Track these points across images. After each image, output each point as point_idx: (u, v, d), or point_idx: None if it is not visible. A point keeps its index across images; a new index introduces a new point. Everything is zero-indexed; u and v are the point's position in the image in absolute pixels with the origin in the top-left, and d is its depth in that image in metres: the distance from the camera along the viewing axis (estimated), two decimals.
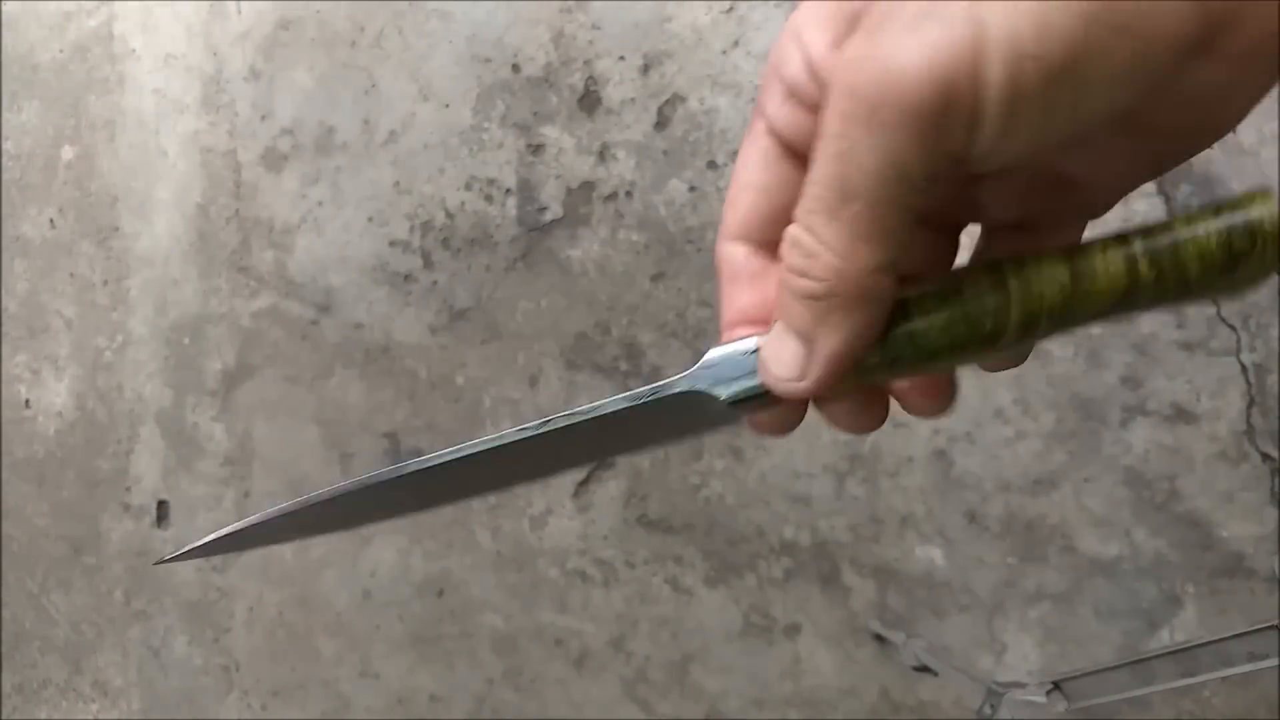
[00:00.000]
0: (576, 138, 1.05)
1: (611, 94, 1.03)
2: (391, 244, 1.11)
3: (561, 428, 0.32)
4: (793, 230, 0.26)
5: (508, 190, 1.07)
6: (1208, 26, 0.24)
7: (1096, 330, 0.89)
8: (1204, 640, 0.71)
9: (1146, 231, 0.28)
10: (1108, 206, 0.30)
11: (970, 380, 0.92)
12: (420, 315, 1.10)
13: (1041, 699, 0.81)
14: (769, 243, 0.29)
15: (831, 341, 0.27)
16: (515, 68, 1.07)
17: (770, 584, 0.98)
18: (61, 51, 1.30)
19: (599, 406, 0.32)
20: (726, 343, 0.30)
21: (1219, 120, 0.26)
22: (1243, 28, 0.24)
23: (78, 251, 1.28)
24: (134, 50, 1.25)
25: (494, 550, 1.07)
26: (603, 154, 1.04)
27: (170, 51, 1.23)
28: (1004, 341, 0.28)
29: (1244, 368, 0.86)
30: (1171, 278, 0.27)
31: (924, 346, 0.28)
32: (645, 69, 1.01)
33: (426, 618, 1.10)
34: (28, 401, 1.31)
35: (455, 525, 1.10)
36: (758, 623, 0.99)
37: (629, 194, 1.01)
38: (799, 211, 0.26)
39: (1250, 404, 0.86)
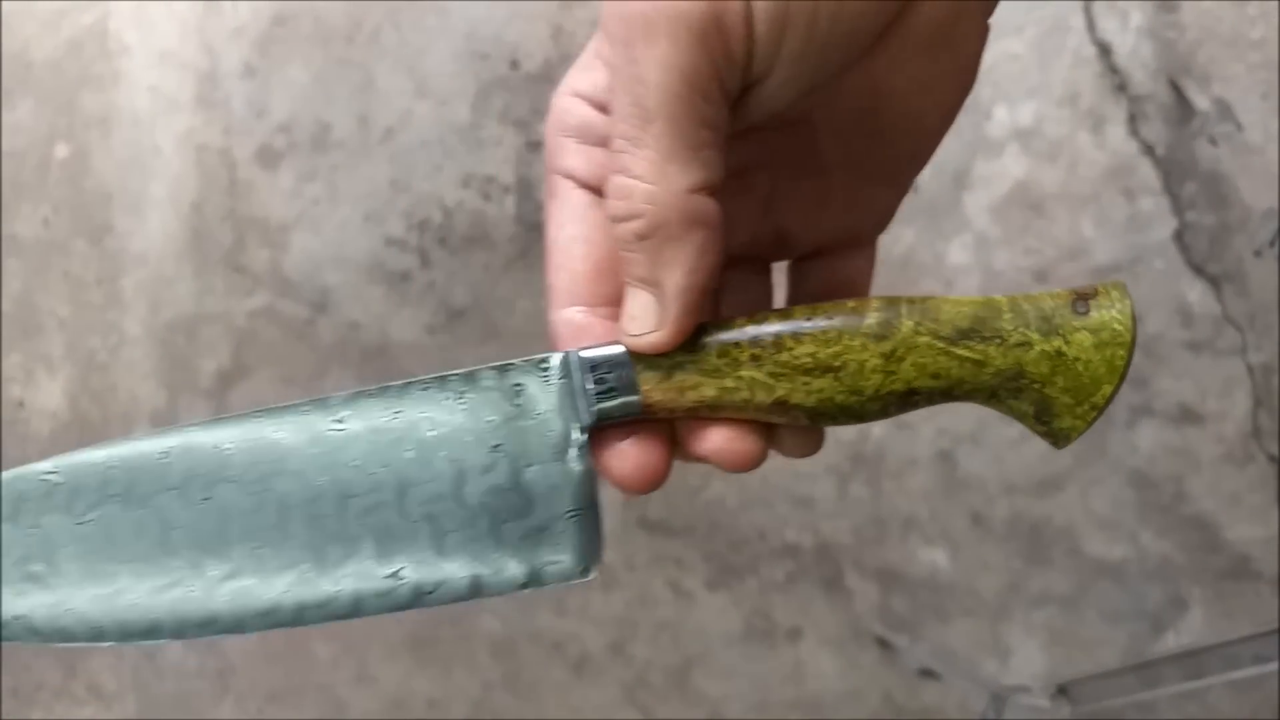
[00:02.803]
0: None
1: None
2: (388, 242, 1.11)
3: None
4: (610, 180, 0.27)
5: (506, 188, 1.07)
6: None
7: None
8: (1210, 643, 0.71)
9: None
10: (890, 210, 0.32)
11: None
12: (417, 315, 1.09)
13: (1046, 703, 0.81)
14: (603, 301, 0.30)
15: (675, 275, 0.26)
16: (514, 64, 1.07)
17: (772, 587, 0.98)
18: (55, 48, 1.29)
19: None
20: None
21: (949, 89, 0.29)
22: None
23: (71, 250, 1.28)
24: (128, 47, 1.25)
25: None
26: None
27: (165, 48, 1.22)
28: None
29: (1250, 369, 0.85)
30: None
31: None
32: None
33: (424, 621, 1.10)
34: (22, 402, 1.30)
35: None
36: (759, 626, 0.98)
37: None
38: (609, 159, 0.26)
39: (1257, 405, 0.85)
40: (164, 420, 1.22)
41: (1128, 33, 0.88)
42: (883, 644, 0.94)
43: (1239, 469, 0.86)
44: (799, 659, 0.97)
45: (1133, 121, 0.88)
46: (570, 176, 0.30)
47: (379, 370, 1.11)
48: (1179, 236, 0.87)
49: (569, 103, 0.30)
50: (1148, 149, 0.88)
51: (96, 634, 0.27)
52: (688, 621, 1.00)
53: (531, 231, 1.05)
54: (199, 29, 1.20)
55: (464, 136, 1.08)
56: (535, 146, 1.06)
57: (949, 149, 0.94)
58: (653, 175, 0.25)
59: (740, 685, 0.99)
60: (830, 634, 0.96)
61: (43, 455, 1.16)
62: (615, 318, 0.29)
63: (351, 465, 0.27)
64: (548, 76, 1.05)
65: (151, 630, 0.27)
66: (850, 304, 0.28)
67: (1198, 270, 0.87)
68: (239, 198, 1.18)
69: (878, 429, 0.95)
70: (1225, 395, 0.86)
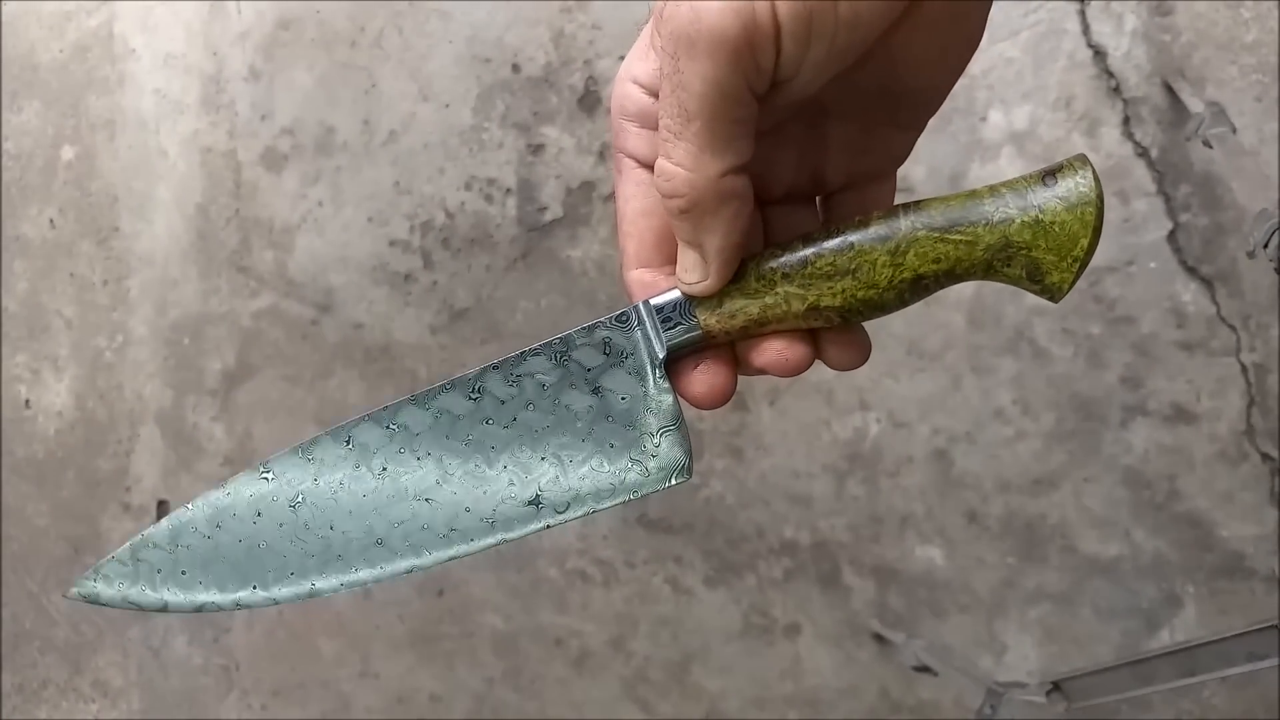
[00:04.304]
0: (576, 138, 1.05)
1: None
2: (391, 244, 1.11)
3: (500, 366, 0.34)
4: (657, 163, 0.31)
5: (508, 190, 1.07)
6: None
7: (1096, 330, 0.89)
8: (1204, 640, 0.71)
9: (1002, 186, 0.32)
10: (906, 149, 0.37)
11: (970, 381, 0.92)
12: (420, 315, 1.10)
13: (1041, 699, 0.81)
14: (665, 262, 0.35)
15: (713, 239, 0.32)
16: (515, 68, 1.07)
17: (770, 584, 0.98)
18: (61, 51, 1.30)
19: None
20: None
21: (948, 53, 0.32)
22: None
23: (78, 251, 1.28)
24: (134, 50, 1.25)
25: (494, 550, 1.07)
26: (603, 154, 1.04)
27: (170, 51, 1.23)
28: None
29: (1244, 368, 0.86)
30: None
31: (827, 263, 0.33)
32: None
33: (426, 617, 1.10)
34: (28, 401, 1.31)
35: None
36: (758, 623, 0.99)
37: None
38: (657, 145, 0.31)
39: (1250, 404, 0.86)
40: (170, 420, 1.23)
41: (1122, 36, 0.88)
42: (879, 640, 0.94)
43: (1232, 467, 0.86)
44: (797, 655, 0.98)
45: (1127, 124, 0.88)
46: (632, 157, 0.34)
47: (382, 370, 1.12)
48: (1173, 238, 0.87)
49: (628, 89, 0.33)
50: (1142, 151, 0.88)
51: (367, 582, 0.35)
52: (687, 618, 1.01)
53: (533, 233, 1.06)
54: (204, 33, 1.21)
55: (466, 139, 1.09)
56: (536, 149, 1.07)
57: (945, 151, 0.95)
58: (691, 163, 0.30)
59: (738, 680, 1.00)
60: (827, 630, 0.97)
61: (49, 454, 1.17)
62: (675, 274, 0.35)
63: (490, 423, 0.35)
64: (549, 80, 1.06)
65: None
66: (858, 219, 0.33)
67: (1191, 271, 0.87)
68: (244, 200, 1.19)
69: (875, 428, 0.95)
70: (1219, 394, 0.86)
